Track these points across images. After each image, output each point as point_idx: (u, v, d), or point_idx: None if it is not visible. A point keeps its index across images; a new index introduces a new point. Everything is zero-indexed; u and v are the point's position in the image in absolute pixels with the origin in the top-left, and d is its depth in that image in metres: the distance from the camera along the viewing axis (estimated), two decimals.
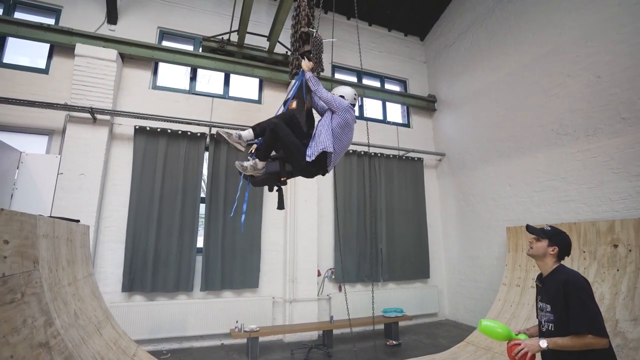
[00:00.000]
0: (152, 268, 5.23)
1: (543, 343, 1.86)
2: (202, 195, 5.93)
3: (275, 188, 3.25)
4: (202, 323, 5.33)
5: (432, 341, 5.65)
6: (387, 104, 8.19)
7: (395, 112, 8.45)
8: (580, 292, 1.86)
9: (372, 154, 7.23)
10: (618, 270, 4.42)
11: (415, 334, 6.10)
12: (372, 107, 8.14)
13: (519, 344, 1.91)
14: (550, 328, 1.97)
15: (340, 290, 6.37)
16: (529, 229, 2.22)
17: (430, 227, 7.53)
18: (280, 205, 3.25)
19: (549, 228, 2.15)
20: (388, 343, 5.49)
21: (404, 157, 7.59)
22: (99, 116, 5.31)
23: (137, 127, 5.62)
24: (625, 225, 4.43)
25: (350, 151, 6.86)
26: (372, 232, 6.84)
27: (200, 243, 5.72)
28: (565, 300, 1.88)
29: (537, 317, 2.17)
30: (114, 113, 5.46)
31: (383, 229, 6.93)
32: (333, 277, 6.32)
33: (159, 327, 5.09)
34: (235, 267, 5.71)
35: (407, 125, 8.28)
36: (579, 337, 1.80)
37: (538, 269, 5.49)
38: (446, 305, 7.44)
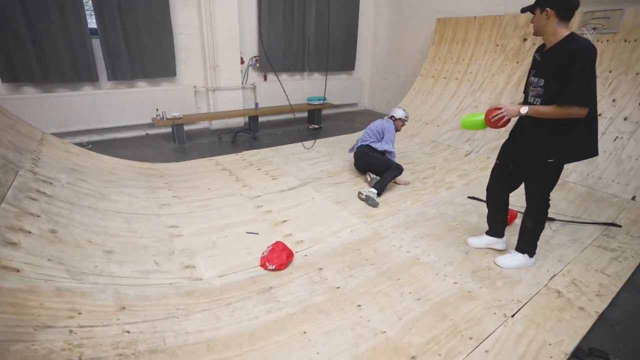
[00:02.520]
0: (34, 53, 4.30)
1: (524, 109, 1.85)
2: None
3: None
4: (120, 114, 5.06)
5: (349, 125, 6.31)
6: None
7: None
8: (584, 64, 1.72)
9: None
10: (517, 62, 4.88)
11: (335, 120, 6.70)
12: None
13: (500, 108, 1.94)
14: (535, 102, 1.91)
15: (265, 79, 6.26)
16: (522, 10, 1.98)
17: (362, 17, 7.06)
18: None
19: None
20: (310, 127, 6.01)
21: None
22: None
23: None
24: None
25: None
26: (299, 19, 6.21)
27: (94, 23, 4.70)
28: (568, 71, 1.73)
29: (524, 92, 2.12)
30: None
31: (312, 16, 6.30)
32: (257, 65, 6.04)
33: (68, 121, 4.71)
34: (145, 53, 5.02)
35: None
36: (562, 107, 1.76)
37: (455, 60, 5.73)
38: (366, 96, 7.98)
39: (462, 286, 2.09)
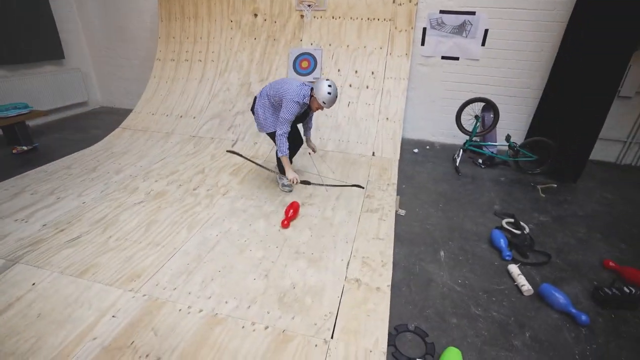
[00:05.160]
0: None
1: None
2: None
3: None
4: None
5: (82, 135, 4.74)
6: None
7: None
8: None
9: None
10: (255, 38, 4.81)
11: (58, 132, 4.89)
12: None
13: None
14: None
15: None
16: None
17: None
18: None
19: None
20: (15, 151, 4.10)
21: None
22: None
23: None
24: None
25: None
26: None
27: None
28: None
29: None
30: None
31: None
32: None
33: None
34: None
35: None
36: None
37: (193, 39, 5.08)
38: (97, 90, 6.27)
39: (274, 327, 1.77)
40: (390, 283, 2.13)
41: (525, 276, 2.29)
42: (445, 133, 4.92)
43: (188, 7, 4.96)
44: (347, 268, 2.22)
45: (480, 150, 4.19)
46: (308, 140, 3.22)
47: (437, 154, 4.56)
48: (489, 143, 4.19)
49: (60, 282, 2.01)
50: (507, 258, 2.51)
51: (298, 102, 2.68)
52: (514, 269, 2.36)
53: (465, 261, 2.51)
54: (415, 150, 4.56)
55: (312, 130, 3.32)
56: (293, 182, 2.78)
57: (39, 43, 5.03)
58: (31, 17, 4.88)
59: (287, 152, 2.78)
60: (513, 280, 2.30)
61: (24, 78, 4.85)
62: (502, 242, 2.62)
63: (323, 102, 2.68)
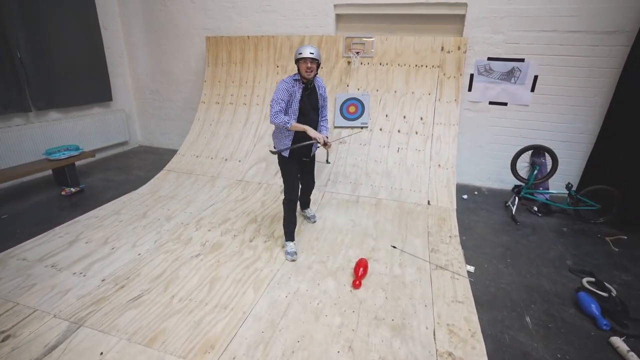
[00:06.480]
0: None
1: None
2: None
3: None
4: None
5: (125, 176, 4.76)
6: None
7: None
8: None
9: None
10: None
11: (102, 172, 4.94)
12: None
13: None
14: None
15: None
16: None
17: (107, 32, 5.46)
18: None
19: None
20: (64, 193, 4.11)
21: None
22: None
23: None
24: (312, 40, 4.68)
25: None
26: None
27: None
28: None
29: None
30: None
31: (18, 27, 4.25)
32: None
33: None
34: None
35: None
36: None
37: (238, 83, 5.14)
38: (138, 130, 6.41)
39: None
40: (486, 358, 1.90)
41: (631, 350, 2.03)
42: (492, 178, 4.75)
43: (235, 53, 5.11)
44: (434, 338, 2.01)
45: (533, 197, 4.01)
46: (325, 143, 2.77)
47: (487, 200, 4.37)
48: (541, 190, 4.02)
49: (129, 351, 1.85)
50: (604, 328, 2.25)
51: (284, 80, 2.61)
52: (619, 343, 2.10)
53: (557, 330, 2.26)
54: (465, 197, 4.38)
55: (326, 125, 2.93)
56: (321, 141, 2.63)
57: (92, 87, 5.23)
58: (88, 63, 5.10)
59: (290, 120, 2.58)
60: (621, 356, 2.04)
61: (75, 120, 4.99)
62: (594, 308, 2.37)
63: (299, 53, 2.53)
